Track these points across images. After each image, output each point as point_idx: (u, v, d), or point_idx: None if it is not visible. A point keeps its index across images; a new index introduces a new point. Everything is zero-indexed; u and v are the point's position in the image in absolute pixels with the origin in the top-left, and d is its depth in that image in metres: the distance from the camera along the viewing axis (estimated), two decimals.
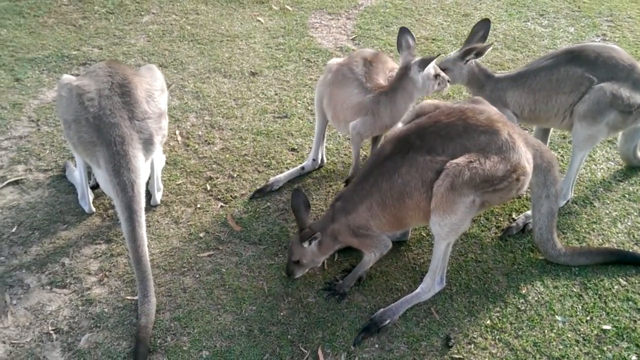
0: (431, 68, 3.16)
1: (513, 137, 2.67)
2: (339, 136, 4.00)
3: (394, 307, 2.77)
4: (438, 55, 3.25)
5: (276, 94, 4.40)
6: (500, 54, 4.94)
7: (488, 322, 2.77)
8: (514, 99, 3.40)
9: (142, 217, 2.88)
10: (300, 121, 4.12)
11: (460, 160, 2.57)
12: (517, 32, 5.30)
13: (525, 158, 2.69)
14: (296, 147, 3.88)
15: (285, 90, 4.46)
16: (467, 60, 3.43)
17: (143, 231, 2.85)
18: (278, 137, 3.97)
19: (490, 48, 3.44)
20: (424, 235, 3.23)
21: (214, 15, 5.44)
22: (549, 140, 3.72)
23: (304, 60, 4.84)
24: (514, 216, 3.36)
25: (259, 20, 5.39)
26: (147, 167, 3.13)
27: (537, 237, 3.03)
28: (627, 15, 5.60)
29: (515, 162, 2.63)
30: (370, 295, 2.90)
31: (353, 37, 5.21)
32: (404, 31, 3.29)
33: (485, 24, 3.45)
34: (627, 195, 3.50)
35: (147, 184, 3.22)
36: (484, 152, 2.60)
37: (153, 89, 3.25)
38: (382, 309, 2.77)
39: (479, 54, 3.40)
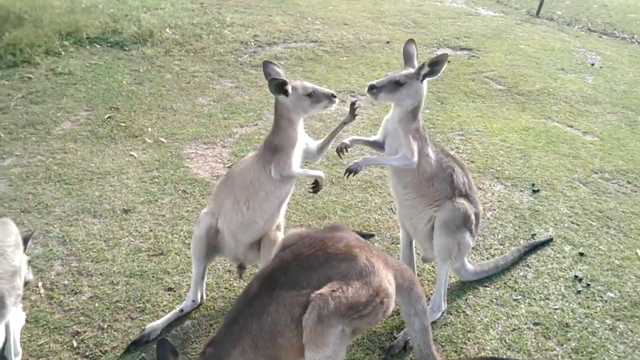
0: (300, 89, 3.16)
1: (371, 261, 2.76)
2: (218, 269, 3.92)
3: None
4: (279, 79, 3.10)
5: (151, 230, 4.28)
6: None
7: None
8: (430, 154, 3.34)
9: None
10: (177, 257, 3.99)
11: (324, 290, 2.60)
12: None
13: (387, 280, 2.77)
14: (173, 286, 3.72)
15: (161, 225, 4.35)
16: (423, 78, 3.24)
17: None
18: (153, 277, 3.79)
19: (446, 61, 3.18)
20: None
21: (84, 152, 5.30)
22: (415, 254, 3.88)
23: (180, 191, 4.81)
24: (395, 334, 3.41)
25: (132, 155, 5.33)
26: (1, 331, 2.83)
27: (417, 354, 3.07)
28: (475, 129, 6.30)
29: (377, 285, 2.70)
30: None
31: (229, 165, 5.31)
32: (267, 64, 3.29)
33: (412, 43, 3.36)
34: (494, 300, 3.72)
35: (4, 349, 2.91)
36: (346, 280, 2.66)
37: (5, 245, 3.02)
38: None
39: (433, 68, 3.16)
